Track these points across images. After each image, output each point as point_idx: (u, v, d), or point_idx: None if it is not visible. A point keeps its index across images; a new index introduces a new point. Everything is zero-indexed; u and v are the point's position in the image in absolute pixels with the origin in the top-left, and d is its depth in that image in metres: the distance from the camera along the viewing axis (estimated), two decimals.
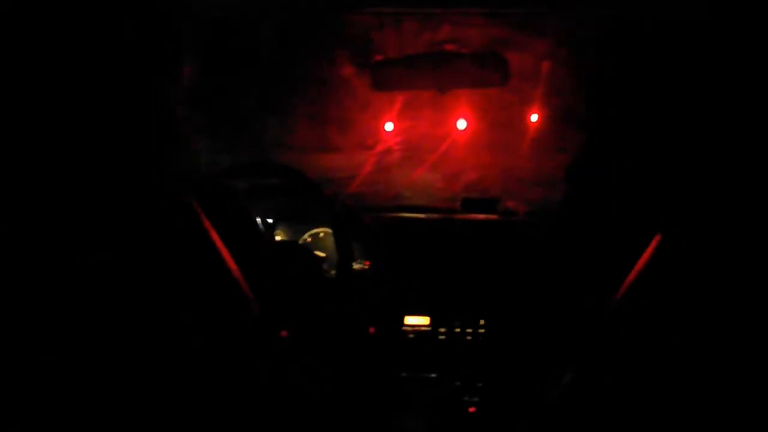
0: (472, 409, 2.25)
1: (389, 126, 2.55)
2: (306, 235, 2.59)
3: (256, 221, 2.40)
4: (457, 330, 2.29)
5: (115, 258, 0.94)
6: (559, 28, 2.30)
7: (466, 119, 2.47)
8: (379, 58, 2.36)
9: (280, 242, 2.47)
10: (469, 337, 2.28)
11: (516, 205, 2.47)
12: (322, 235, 2.57)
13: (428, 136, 2.52)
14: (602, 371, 1.73)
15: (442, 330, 2.30)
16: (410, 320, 2.32)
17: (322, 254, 2.51)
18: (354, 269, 2.42)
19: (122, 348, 0.96)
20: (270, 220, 2.51)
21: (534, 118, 2.49)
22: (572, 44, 2.32)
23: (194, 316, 1.07)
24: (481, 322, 2.28)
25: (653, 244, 1.61)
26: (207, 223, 1.14)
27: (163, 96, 1.17)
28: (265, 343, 1.39)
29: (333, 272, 2.37)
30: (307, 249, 2.29)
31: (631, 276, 1.65)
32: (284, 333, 1.85)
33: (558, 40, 2.30)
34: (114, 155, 0.98)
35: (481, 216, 2.47)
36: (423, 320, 2.31)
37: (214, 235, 1.15)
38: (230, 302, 1.17)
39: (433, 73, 2.27)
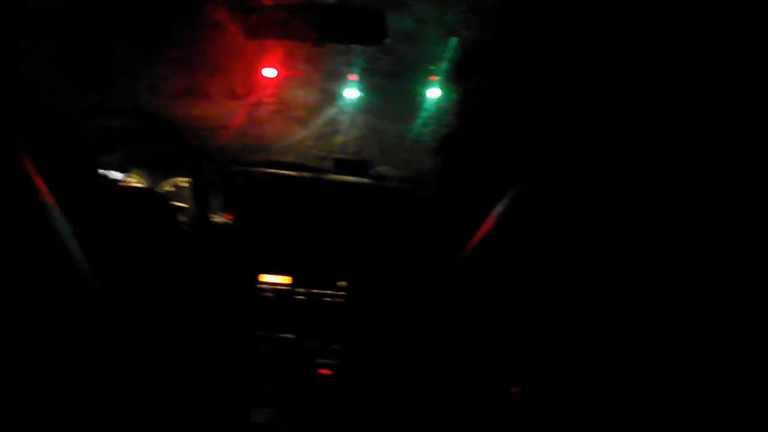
0: (326, 372, 2.22)
1: (271, 72, 2.42)
2: (166, 184, 2.45)
3: (96, 165, 2.25)
4: (317, 291, 2.24)
5: None
6: None
7: (342, 78, 2.40)
8: (254, 3, 2.24)
9: (131, 188, 2.32)
10: (328, 299, 2.24)
11: (388, 170, 2.44)
12: (184, 184, 2.44)
13: (303, 92, 2.43)
14: (451, 332, 1.73)
15: (302, 290, 2.24)
16: (269, 278, 2.24)
17: (181, 205, 2.39)
18: (213, 222, 2.32)
19: None
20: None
21: (414, 86, 2.45)
22: (461, 9, 2.27)
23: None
24: (342, 284, 2.25)
25: (493, 216, 1.64)
26: (32, 170, 1.03)
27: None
28: (101, 305, 1.28)
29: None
30: (163, 197, 2.17)
31: (474, 239, 1.67)
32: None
33: (442, 4, 2.25)
34: None
35: (352, 178, 2.43)
36: (283, 279, 2.25)
37: (39, 182, 1.03)
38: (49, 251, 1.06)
39: (310, 24, 2.18)
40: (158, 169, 2.43)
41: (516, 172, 1.98)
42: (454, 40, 2.31)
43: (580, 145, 1.94)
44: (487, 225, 1.87)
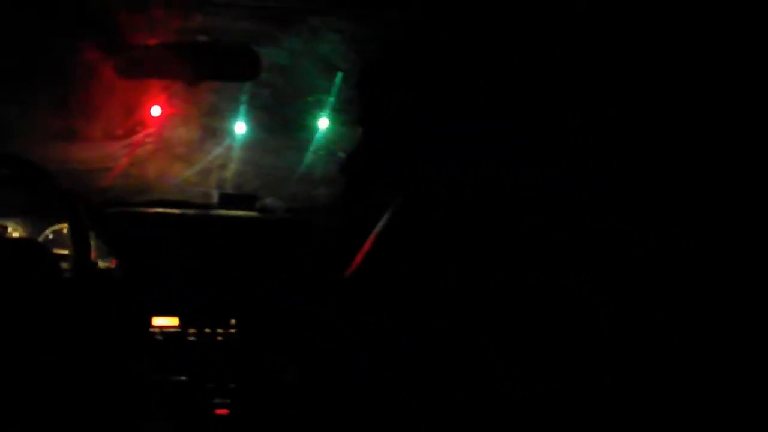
0: (223, 412, 2.19)
1: (155, 111, 2.39)
2: (48, 232, 2.38)
3: None
4: (208, 330, 2.22)
5: None
6: (319, 25, 2.28)
7: (223, 114, 2.39)
8: (126, 43, 2.21)
9: (7, 239, 2.24)
10: (219, 338, 2.22)
11: (274, 202, 2.44)
12: (66, 231, 2.37)
13: (185, 129, 2.41)
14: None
15: (192, 331, 2.21)
16: (158, 321, 2.21)
17: (64, 252, 2.32)
18: (97, 268, 2.27)
19: None
20: None
21: (297, 118, 2.46)
22: (332, 42, 2.30)
23: None
24: (232, 321, 2.23)
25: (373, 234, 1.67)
26: None
27: None
28: None
29: None
30: (43, 246, 2.10)
31: (358, 258, 1.71)
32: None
33: (316, 37, 2.28)
34: None
35: (239, 212, 2.42)
36: (171, 321, 2.21)
37: None
38: None
39: (183, 63, 2.17)
40: (36, 217, 2.36)
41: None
42: (337, 73, 2.35)
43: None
44: (369, 243, 1.89)
